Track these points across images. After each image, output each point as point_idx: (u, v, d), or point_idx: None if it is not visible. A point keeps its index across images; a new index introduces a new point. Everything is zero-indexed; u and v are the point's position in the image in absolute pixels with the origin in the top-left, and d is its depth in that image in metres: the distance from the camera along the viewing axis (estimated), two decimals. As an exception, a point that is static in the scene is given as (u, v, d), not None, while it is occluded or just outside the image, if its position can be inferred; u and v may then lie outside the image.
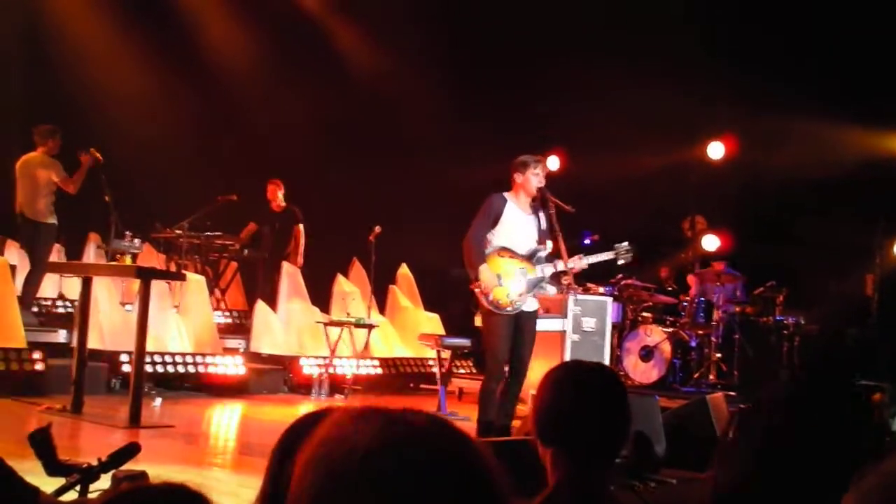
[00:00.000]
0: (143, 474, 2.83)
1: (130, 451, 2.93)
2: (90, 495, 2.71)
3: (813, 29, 10.75)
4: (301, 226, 11.45)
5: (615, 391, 2.40)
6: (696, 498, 2.37)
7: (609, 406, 2.34)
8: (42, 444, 2.79)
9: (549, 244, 6.76)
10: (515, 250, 6.62)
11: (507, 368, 6.60)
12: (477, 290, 6.47)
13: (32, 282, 9.46)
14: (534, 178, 6.60)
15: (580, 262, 6.76)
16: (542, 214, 6.75)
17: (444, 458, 1.00)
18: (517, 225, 6.65)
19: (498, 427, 6.45)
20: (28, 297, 9.40)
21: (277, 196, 11.50)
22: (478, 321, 8.12)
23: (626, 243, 6.97)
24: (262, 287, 11.20)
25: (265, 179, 11.65)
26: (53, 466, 2.79)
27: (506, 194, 6.67)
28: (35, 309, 9.79)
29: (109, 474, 2.81)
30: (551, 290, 6.91)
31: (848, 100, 10.34)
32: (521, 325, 6.56)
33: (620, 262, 7.02)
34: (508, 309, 6.48)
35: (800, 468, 1.74)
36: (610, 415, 2.33)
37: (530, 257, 6.65)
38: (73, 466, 2.78)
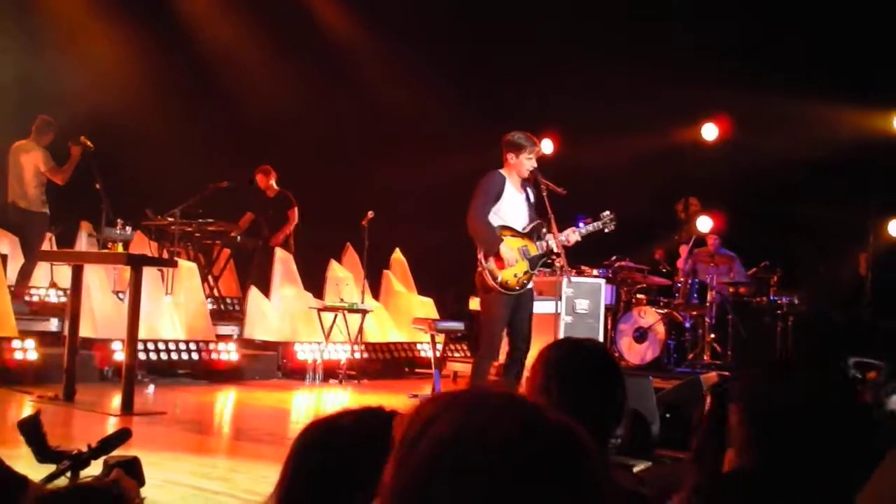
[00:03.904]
0: (135, 459, 2.80)
1: (121, 436, 2.90)
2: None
3: (806, 8, 10.72)
4: (295, 209, 11.37)
5: (606, 370, 2.36)
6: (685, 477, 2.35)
7: (598, 385, 2.30)
8: (32, 432, 2.76)
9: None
10: (516, 228, 6.61)
11: (501, 349, 6.59)
12: (484, 271, 6.43)
13: (26, 271, 9.42)
14: (527, 163, 6.59)
15: (574, 236, 6.77)
16: (529, 190, 6.75)
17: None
18: (513, 203, 6.63)
19: None
20: (20, 286, 9.37)
21: (269, 183, 11.42)
22: (473, 304, 8.11)
23: (607, 212, 7.01)
24: (256, 274, 11.15)
25: (257, 166, 11.56)
26: (44, 453, 2.76)
27: (502, 171, 6.64)
28: (27, 298, 9.75)
29: (101, 460, 2.79)
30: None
31: (841, 80, 10.32)
32: (521, 303, 6.55)
33: (606, 230, 7.04)
34: (517, 289, 6.48)
35: (790, 451, 1.72)
36: (599, 394, 2.29)
37: (531, 234, 6.64)
38: (63, 453, 2.75)
